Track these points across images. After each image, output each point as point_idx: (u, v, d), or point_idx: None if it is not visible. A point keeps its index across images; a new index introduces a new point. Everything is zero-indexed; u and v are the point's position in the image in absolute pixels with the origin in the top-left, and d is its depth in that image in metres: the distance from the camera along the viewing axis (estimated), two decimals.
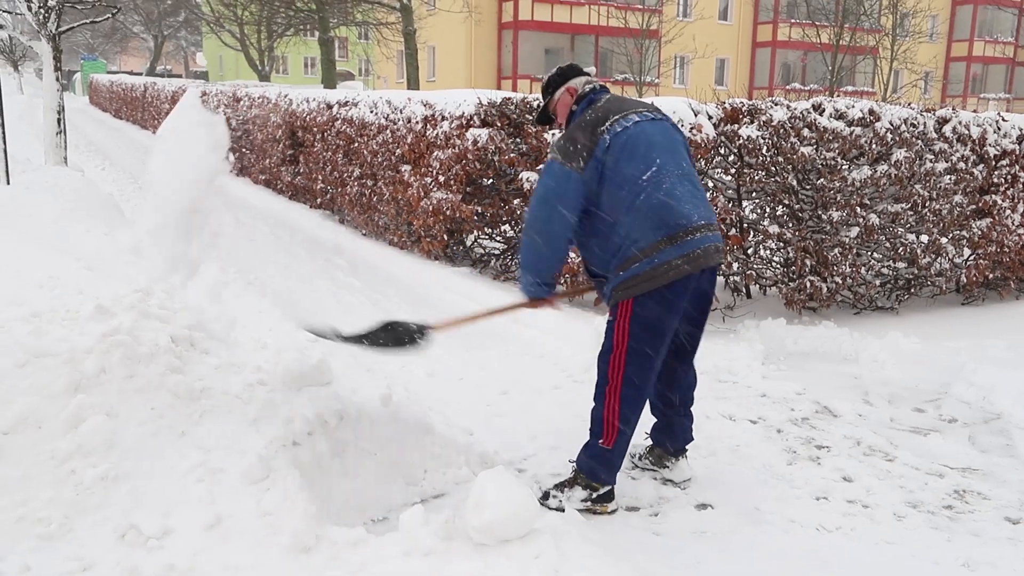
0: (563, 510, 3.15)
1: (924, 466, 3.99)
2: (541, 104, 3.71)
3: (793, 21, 39.51)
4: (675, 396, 3.67)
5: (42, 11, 9.99)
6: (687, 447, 3.79)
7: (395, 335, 3.50)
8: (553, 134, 6.20)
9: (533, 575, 2.54)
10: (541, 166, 3.62)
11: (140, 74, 44.85)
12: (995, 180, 6.81)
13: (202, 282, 3.82)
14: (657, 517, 3.44)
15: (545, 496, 3.44)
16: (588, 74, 3.70)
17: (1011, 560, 3.14)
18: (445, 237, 7.76)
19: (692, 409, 3.76)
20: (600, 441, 3.38)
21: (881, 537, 3.31)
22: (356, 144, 9.40)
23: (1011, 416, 4.62)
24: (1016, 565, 3.11)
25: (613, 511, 3.44)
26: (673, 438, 3.75)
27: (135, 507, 2.86)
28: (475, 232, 7.74)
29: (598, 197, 3.27)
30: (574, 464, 3.51)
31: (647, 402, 3.52)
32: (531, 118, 3.71)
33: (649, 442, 3.84)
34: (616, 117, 3.31)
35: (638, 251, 3.20)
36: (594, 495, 3.41)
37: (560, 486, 3.47)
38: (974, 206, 6.77)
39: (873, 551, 3.21)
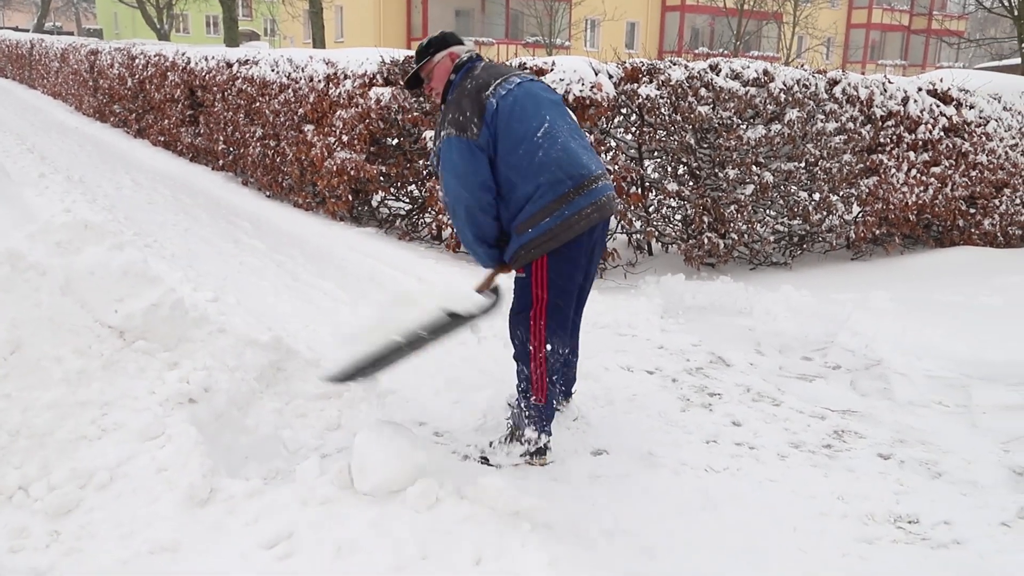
0: (499, 466, 3.33)
1: (808, 409, 4.21)
2: (414, 67, 3.59)
3: None
4: (571, 343, 3.81)
5: None
6: (574, 389, 4.02)
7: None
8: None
9: (429, 520, 2.60)
10: (436, 140, 3.43)
11: (27, 31, 42.41)
12: (881, 140, 7.11)
13: (97, 243, 3.71)
14: (555, 464, 3.54)
15: (484, 459, 3.52)
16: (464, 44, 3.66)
17: (880, 492, 3.36)
18: (350, 197, 7.68)
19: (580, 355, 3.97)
20: (533, 398, 3.47)
21: (765, 476, 3.50)
22: (258, 104, 9.17)
23: (890, 362, 4.89)
24: (884, 496, 3.33)
25: (550, 462, 3.53)
26: (567, 382, 3.94)
27: (24, 467, 2.80)
28: (380, 192, 7.69)
29: (493, 162, 3.28)
30: (510, 421, 3.61)
31: None
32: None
33: None
34: (499, 80, 3.34)
35: (545, 206, 3.23)
36: (532, 449, 3.49)
37: (500, 442, 3.55)
38: (862, 165, 7.07)
39: (757, 489, 3.39)
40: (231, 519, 2.61)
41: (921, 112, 7.20)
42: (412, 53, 7.50)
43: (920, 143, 7.21)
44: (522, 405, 3.53)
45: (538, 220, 3.25)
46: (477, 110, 3.25)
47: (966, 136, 7.36)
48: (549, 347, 3.43)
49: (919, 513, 3.21)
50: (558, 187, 3.23)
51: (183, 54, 11.66)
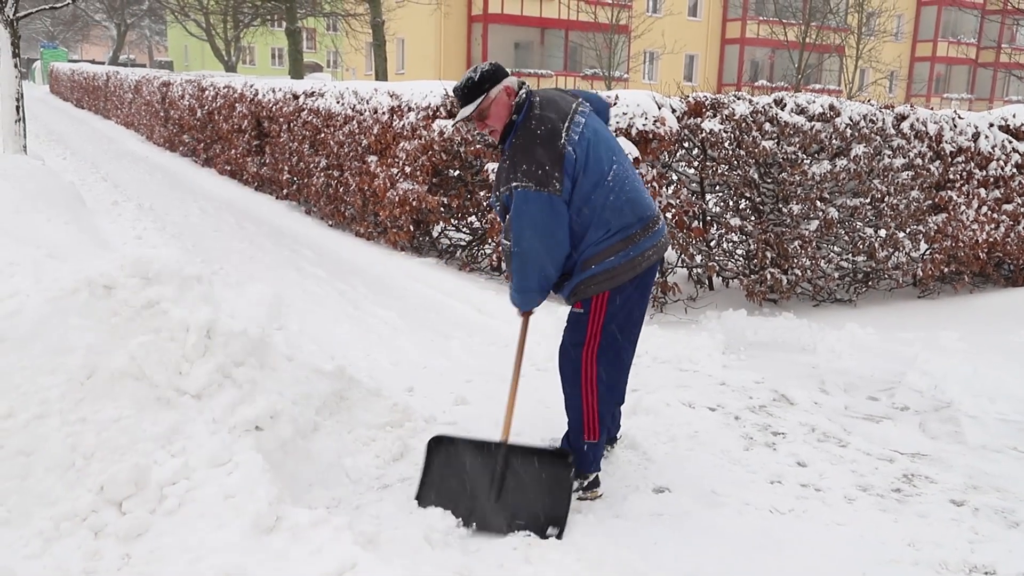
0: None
1: (875, 451, 4.10)
2: (472, 105, 3.30)
3: (761, 19, 39.89)
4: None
5: None
6: (619, 435, 3.96)
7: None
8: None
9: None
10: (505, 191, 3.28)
11: (103, 63, 44.09)
12: (951, 176, 6.96)
13: (166, 272, 3.81)
14: (617, 500, 3.50)
15: None
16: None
17: (954, 539, 3.25)
18: (411, 227, 7.77)
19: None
20: (584, 436, 3.45)
21: (831, 519, 3.41)
22: (322, 135, 9.37)
23: (960, 404, 4.75)
24: (958, 543, 3.21)
25: (601, 495, 3.52)
26: (612, 427, 3.87)
27: (98, 492, 2.87)
28: (441, 223, 7.77)
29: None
30: None
31: None
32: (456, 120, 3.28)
33: None
34: (566, 124, 3.24)
35: (613, 244, 3.26)
36: (585, 483, 3.50)
37: None
38: (930, 201, 6.92)
39: (823, 532, 3.30)
40: (296, 547, 2.63)
41: (993, 148, 7.03)
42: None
43: (991, 179, 7.04)
44: (574, 442, 3.50)
45: (604, 257, 3.27)
46: (556, 162, 3.15)
47: None
48: (601, 384, 3.41)
49: (995, 563, 3.09)
50: (627, 229, 3.28)
51: (251, 86, 11.99)
